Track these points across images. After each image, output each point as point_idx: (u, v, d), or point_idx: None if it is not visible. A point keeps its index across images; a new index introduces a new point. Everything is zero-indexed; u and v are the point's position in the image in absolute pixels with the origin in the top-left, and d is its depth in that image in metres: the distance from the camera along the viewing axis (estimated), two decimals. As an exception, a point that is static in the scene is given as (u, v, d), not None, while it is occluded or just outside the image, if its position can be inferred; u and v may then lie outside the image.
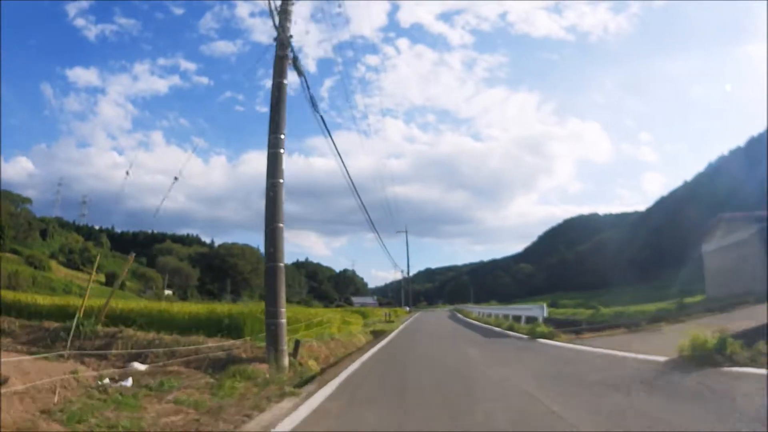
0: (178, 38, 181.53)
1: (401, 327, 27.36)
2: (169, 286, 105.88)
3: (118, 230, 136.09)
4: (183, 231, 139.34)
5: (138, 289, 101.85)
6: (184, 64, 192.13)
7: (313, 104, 10.50)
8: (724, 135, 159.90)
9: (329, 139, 11.78)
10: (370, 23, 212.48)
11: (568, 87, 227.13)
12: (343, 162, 12.80)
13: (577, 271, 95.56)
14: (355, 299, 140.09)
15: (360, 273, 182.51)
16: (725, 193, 68.01)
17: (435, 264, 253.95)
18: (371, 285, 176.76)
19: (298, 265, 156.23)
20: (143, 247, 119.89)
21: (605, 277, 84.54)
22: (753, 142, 78.63)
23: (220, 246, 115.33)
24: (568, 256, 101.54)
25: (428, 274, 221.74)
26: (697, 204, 73.17)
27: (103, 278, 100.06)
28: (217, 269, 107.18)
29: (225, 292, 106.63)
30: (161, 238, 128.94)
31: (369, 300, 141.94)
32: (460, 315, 36.59)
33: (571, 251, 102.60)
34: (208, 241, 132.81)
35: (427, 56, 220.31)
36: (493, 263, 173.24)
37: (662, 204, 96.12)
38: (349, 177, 13.64)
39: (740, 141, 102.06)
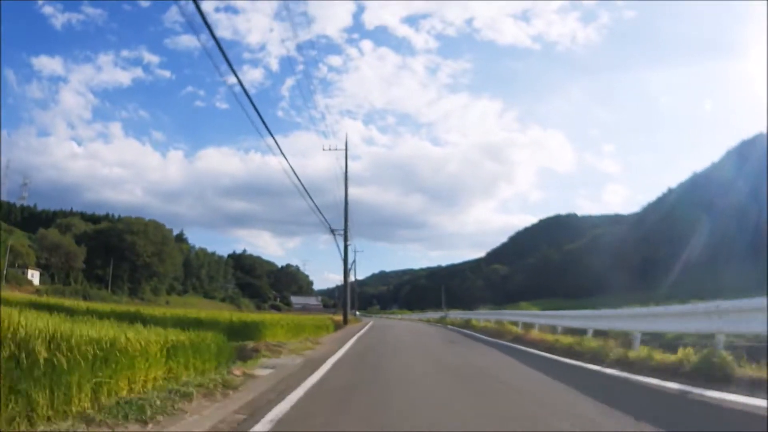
0: (143, 30, 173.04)
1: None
2: (45, 267, 79.44)
3: (39, 208, 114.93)
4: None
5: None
6: (148, 56, 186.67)
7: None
8: (691, 149, 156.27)
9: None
10: (334, 24, 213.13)
11: (532, 95, 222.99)
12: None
13: (564, 273, 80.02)
14: (295, 299, 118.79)
15: (312, 275, 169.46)
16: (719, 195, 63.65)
17: (389, 267, 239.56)
18: (323, 287, 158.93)
19: (232, 257, 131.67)
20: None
21: (599, 280, 71.99)
22: (745, 145, 71.78)
23: (118, 220, 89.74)
24: (553, 257, 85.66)
25: (382, 276, 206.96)
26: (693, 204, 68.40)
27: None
28: (113, 249, 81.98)
29: (120, 280, 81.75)
30: (84, 216, 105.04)
31: (312, 301, 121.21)
32: None
33: (559, 251, 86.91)
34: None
35: (390, 59, 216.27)
36: (454, 267, 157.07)
37: (657, 205, 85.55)
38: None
39: (710, 156, 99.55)
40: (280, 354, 8.46)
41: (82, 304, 22.73)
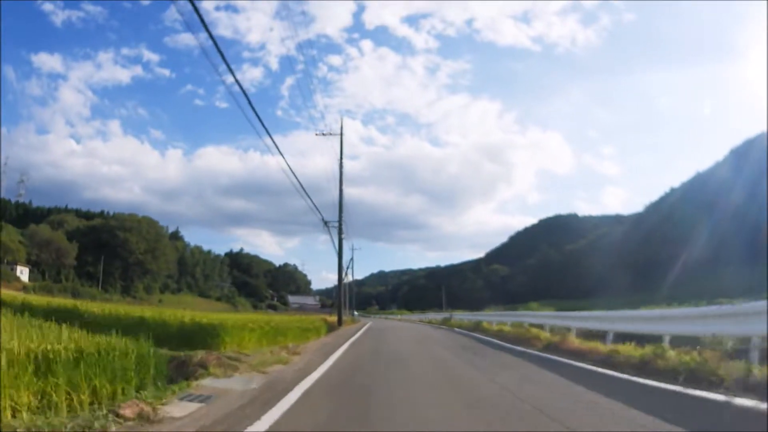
0: (143, 28, 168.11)
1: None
2: (36, 263, 77.63)
3: (34, 204, 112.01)
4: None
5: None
6: (147, 54, 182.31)
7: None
8: (691, 151, 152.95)
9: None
10: (334, 23, 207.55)
11: (532, 97, 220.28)
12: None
13: (565, 274, 78.42)
14: (292, 298, 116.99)
15: (310, 275, 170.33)
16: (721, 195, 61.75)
17: (388, 267, 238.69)
18: (321, 287, 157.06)
19: (229, 255, 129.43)
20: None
21: (600, 281, 70.72)
22: (748, 145, 71.01)
23: (111, 217, 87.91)
24: (554, 257, 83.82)
25: (381, 276, 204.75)
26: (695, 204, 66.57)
27: None
28: (105, 246, 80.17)
29: (111, 277, 79.98)
30: (79, 213, 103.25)
31: (310, 300, 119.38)
32: None
33: (560, 252, 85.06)
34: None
35: (390, 59, 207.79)
36: (453, 267, 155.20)
37: (658, 205, 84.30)
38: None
39: (710, 158, 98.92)
40: (236, 371, 6.18)
41: (19, 297, 20.96)
